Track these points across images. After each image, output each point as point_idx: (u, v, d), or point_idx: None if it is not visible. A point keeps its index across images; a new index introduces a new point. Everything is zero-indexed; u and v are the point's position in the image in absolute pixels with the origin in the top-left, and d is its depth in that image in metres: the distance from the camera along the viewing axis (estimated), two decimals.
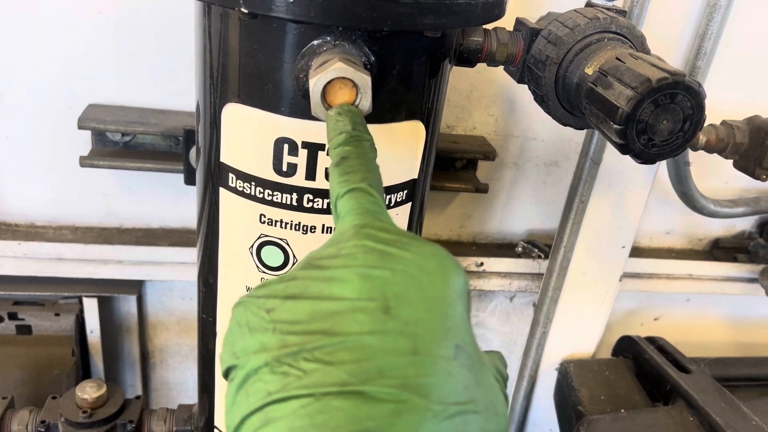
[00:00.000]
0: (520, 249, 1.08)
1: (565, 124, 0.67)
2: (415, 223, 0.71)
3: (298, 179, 0.60)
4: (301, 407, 0.29)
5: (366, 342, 0.30)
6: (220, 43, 0.58)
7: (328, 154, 0.58)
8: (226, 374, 0.33)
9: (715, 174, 1.09)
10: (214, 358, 0.76)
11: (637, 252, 1.14)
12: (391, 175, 0.63)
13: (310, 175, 0.60)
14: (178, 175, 0.94)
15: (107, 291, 1.03)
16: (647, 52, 0.65)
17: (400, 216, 0.67)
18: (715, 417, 0.92)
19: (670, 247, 1.18)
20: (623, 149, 0.56)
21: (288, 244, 0.63)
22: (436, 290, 0.33)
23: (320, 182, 0.60)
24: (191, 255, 1.00)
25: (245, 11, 0.50)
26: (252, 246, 0.64)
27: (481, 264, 1.06)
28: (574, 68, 0.62)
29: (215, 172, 0.64)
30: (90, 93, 0.90)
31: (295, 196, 0.61)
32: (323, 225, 0.63)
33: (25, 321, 1.03)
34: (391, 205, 0.65)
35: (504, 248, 1.11)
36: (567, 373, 1.08)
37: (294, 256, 0.64)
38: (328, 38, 0.53)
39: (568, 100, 0.65)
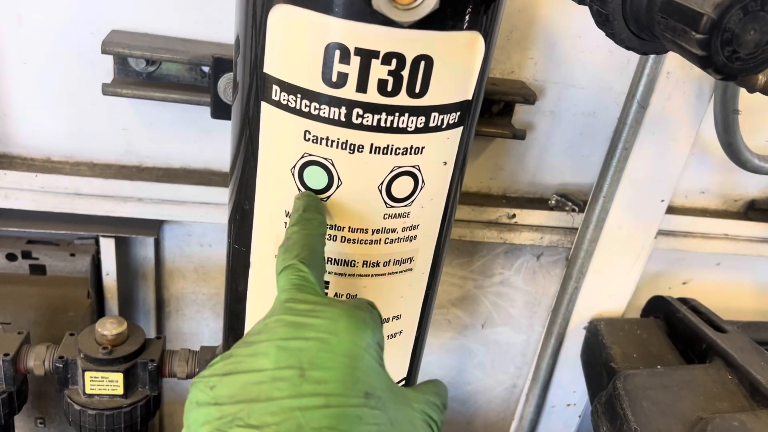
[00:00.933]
0: (553, 202, 1.04)
1: (627, 47, 0.63)
2: (463, 153, 0.67)
3: (348, 91, 0.56)
4: None
5: (286, 405, 0.37)
6: None
7: (390, 74, 0.54)
8: None
9: (756, 131, 1.05)
10: (246, 296, 0.72)
11: (671, 210, 1.10)
12: (446, 93, 0.59)
13: (362, 86, 0.55)
14: (202, 112, 0.90)
15: (125, 231, 0.99)
16: None
17: (451, 140, 0.63)
18: (755, 375, 0.89)
19: (705, 207, 1.14)
20: (704, 62, 0.52)
21: (333, 165, 0.59)
22: (344, 348, 0.40)
23: (372, 95, 0.56)
24: (214, 195, 0.96)
25: None
26: (294, 166, 0.60)
27: (513, 216, 1.02)
28: None
29: (258, 85, 0.59)
30: (114, 18, 0.86)
31: (344, 110, 0.57)
32: (372, 144, 0.58)
33: (40, 261, 0.99)
34: (443, 126, 0.61)
35: (534, 202, 1.07)
36: (597, 331, 1.05)
37: (339, 179, 0.60)
38: None
39: (636, 20, 0.60)
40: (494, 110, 0.96)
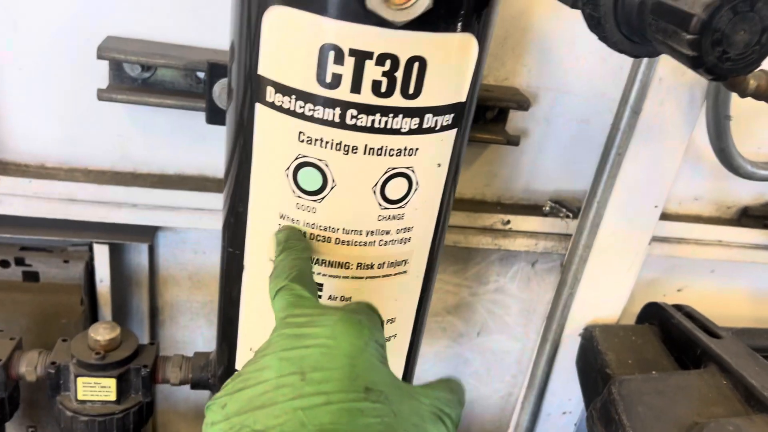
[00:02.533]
0: (547, 208, 1.04)
1: (620, 50, 0.64)
2: (458, 155, 0.67)
3: (343, 92, 0.56)
4: None
5: (288, 406, 0.39)
6: None
7: (384, 75, 0.55)
8: None
9: (748, 138, 1.06)
10: (239, 301, 0.72)
11: (665, 217, 1.11)
12: (440, 95, 0.59)
13: (356, 87, 0.56)
14: (197, 119, 0.90)
15: (119, 238, 0.99)
16: None
17: (445, 142, 0.63)
18: (750, 380, 0.89)
19: (698, 214, 1.15)
20: (695, 62, 0.52)
21: (327, 166, 0.60)
22: (343, 350, 0.42)
23: (366, 96, 0.56)
24: (208, 201, 0.96)
25: None
26: (288, 168, 0.61)
27: (508, 222, 1.02)
28: None
29: (252, 87, 0.60)
30: (110, 24, 0.86)
31: (338, 111, 0.57)
32: (365, 145, 0.59)
33: (33, 267, 0.99)
34: (437, 128, 0.61)
35: (529, 209, 1.08)
36: (592, 338, 1.05)
37: (333, 180, 0.60)
38: None
39: (628, 23, 0.61)
40: (488, 116, 0.96)
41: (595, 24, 0.64)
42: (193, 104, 0.88)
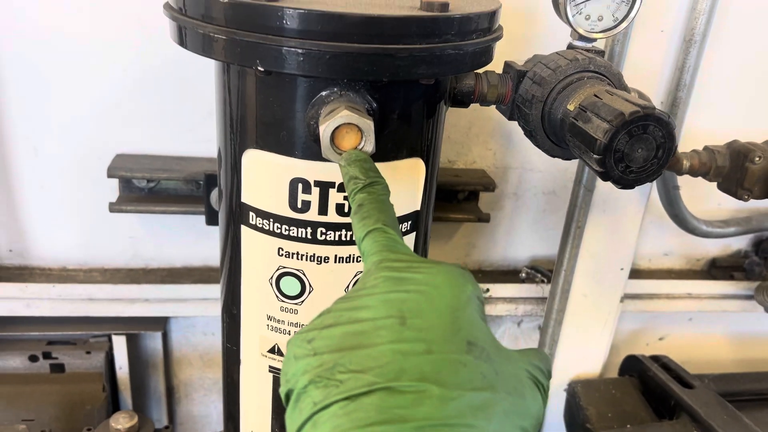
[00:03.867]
0: (523, 275, 1.13)
1: (553, 156, 0.74)
2: (420, 250, 0.77)
3: (312, 215, 0.66)
4: (340, 409, 0.35)
5: (388, 349, 0.37)
6: (239, 96, 0.65)
7: (345, 199, 0.65)
8: (287, 399, 0.40)
9: (707, 196, 1.14)
10: (239, 386, 0.81)
11: (637, 274, 1.19)
12: (397, 208, 0.69)
13: (323, 210, 0.66)
14: (200, 217, 1.01)
15: (134, 329, 1.09)
16: (624, 87, 0.72)
17: (407, 245, 0.73)
18: (717, 429, 0.96)
19: (670, 268, 1.23)
20: (604, 177, 0.62)
21: (304, 275, 0.70)
22: (445, 301, 0.40)
23: (332, 216, 0.66)
24: (213, 291, 1.06)
25: (261, 69, 0.57)
26: (272, 277, 0.71)
27: (487, 290, 1.11)
28: (558, 105, 0.69)
29: (237, 212, 0.70)
30: (117, 144, 0.98)
31: (309, 230, 0.67)
32: (335, 255, 0.69)
33: (59, 360, 1.09)
34: None
35: (509, 274, 1.17)
36: (575, 393, 1.12)
37: (310, 285, 0.70)
38: (335, 89, 0.60)
39: (554, 134, 0.71)
40: (460, 197, 1.06)
41: (529, 134, 0.74)
42: (194, 209, 0.98)
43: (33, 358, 1.08)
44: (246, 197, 0.69)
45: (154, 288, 1.04)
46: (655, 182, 1.01)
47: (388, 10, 0.57)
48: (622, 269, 1.07)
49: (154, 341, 1.15)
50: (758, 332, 1.33)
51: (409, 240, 0.73)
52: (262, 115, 0.64)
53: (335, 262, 0.69)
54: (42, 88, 0.93)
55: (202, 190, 0.96)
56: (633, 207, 1.02)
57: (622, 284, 1.09)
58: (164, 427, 0.94)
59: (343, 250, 0.69)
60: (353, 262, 0.69)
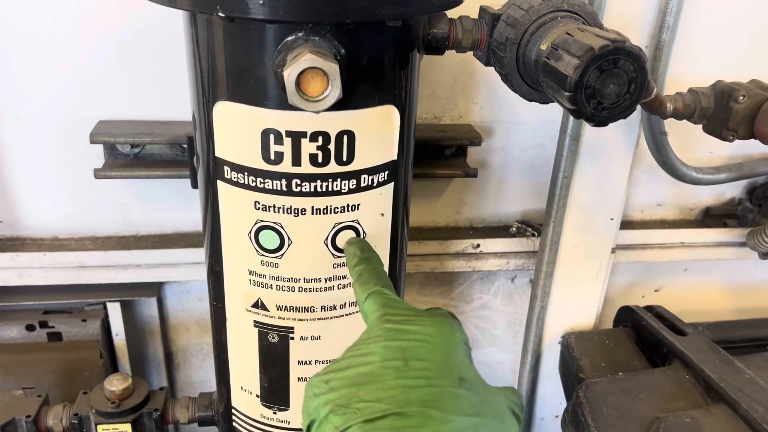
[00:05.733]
0: (514, 229, 1.13)
1: (530, 100, 0.73)
2: (401, 202, 0.76)
3: (286, 166, 0.66)
4: (359, 428, 0.45)
5: (396, 384, 0.47)
6: (207, 48, 0.64)
7: (318, 149, 0.65)
8: (308, 429, 0.49)
9: (699, 145, 1.13)
10: (227, 344, 0.82)
11: (630, 225, 1.18)
12: (371, 157, 0.69)
13: (296, 161, 0.66)
14: (186, 181, 1.01)
15: (129, 295, 1.10)
16: (599, 25, 0.70)
17: (384, 195, 0.72)
18: (709, 373, 0.96)
19: (663, 219, 1.22)
20: (576, 114, 0.61)
21: (282, 227, 0.70)
22: (439, 346, 0.50)
23: (306, 167, 0.66)
24: (203, 255, 1.06)
25: (222, 15, 0.56)
26: (250, 231, 0.71)
27: (478, 245, 1.11)
28: (532, 46, 0.68)
29: (212, 168, 0.70)
30: (99, 110, 0.98)
31: (284, 181, 0.67)
32: (312, 207, 0.68)
33: (55, 328, 1.10)
34: (374, 185, 0.70)
35: (500, 230, 1.16)
36: (569, 345, 1.12)
37: (288, 238, 0.70)
38: (300, 34, 0.59)
39: (529, 77, 0.70)
40: (447, 153, 1.06)
41: (505, 79, 0.73)
42: (179, 173, 0.99)
43: (30, 328, 1.10)
44: (219, 152, 0.69)
45: (145, 253, 1.04)
46: (642, 129, 1.00)
47: None
48: (612, 219, 1.07)
49: (149, 308, 1.16)
50: (754, 281, 1.32)
51: (387, 191, 0.73)
52: (230, 66, 0.63)
53: (312, 213, 0.69)
54: (21, 56, 0.93)
55: (187, 153, 0.96)
56: (621, 155, 1.01)
57: (612, 234, 1.09)
58: (160, 388, 0.95)
59: (320, 202, 0.68)
60: (330, 213, 0.69)
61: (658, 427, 0.88)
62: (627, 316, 1.17)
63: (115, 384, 0.91)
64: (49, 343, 1.11)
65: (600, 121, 0.62)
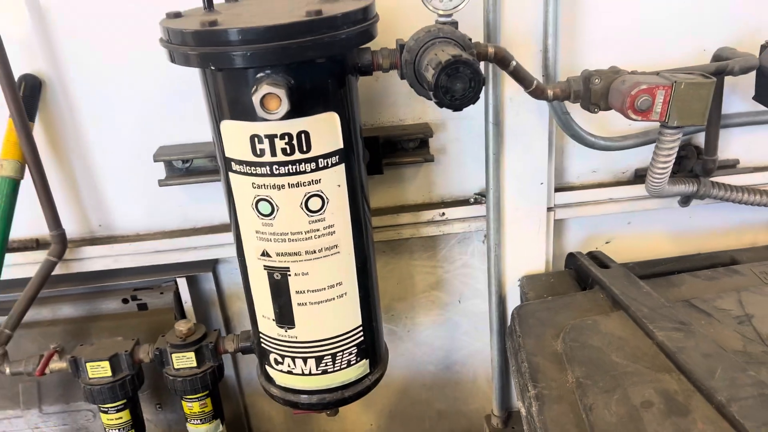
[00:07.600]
0: (472, 199, 1.46)
1: (429, 99, 1.07)
2: (356, 177, 1.12)
3: (267, 157, 1.03)
4: None
5: None
6: (214, 87, 1.03)
7: (286, 144, 1.02)
8: None
9: (617, 121, 1.42)
10: (251, 287, 1.20)
11: (570, 188, 1.48)
12: (323, 147, 1.05)
13: (273, 153, 1.03)
14: None
15: (191, 271, 1.51)
16: (467, 45, 1.04)
17: (338, 172, 1.08)
18: (615, 290, 1.25)
19: (599, 182, 1.51)
20: (439, 105, 0.96)
21: (272, 199, 1.07)
22: None
23: (280, 157, 1.03)
24: None
25: (213, 68, 0.95)
26: (252, 203, 1.08)
27: (443, 213, 1.45)
28: (419, 65, 1.03)
29: (225, 164, 1.09)
30: (159, 137, 1.39)
31: (267, 168, 1.04)
32: (288, 183, 1.05)
33: (142, 300, 1.52)
34: (329, 165, 1.07)
35: (464, 202, 1.49)
36: (522, 285, 1.44)
37: (276, 206, 1.07)
38: (267, 72, 0.96)
39: (421, 84, 1.05)
40: (412, 146, 1.40)
41: (412, 86, 1.08)
42: (218, 177, 1.38)
43: (125, 301, 1.52)
44: (228, 152, 1.07)
45: (201, 238, 1.44)
46: (549, 111, 1.31)
47: (284, 19, 0.94)
48: (542, 183, 1.38)
49: (208, 282, 1.56)
50: (692, 227, 1.58)
51: (340, 170, 1.09)
52: (227, 97, 1.02)
53: (289, 187, 1.06)
54: (104, 100, 1.35)
55: None
56: (538, 132, 1.33)
57: (545, 196, 1.40)
58: (214, 330, 1.34)
59: (293, 179, 1.05)
60: (301, 186, 1.06)
61: (568, 329, 1.19)
62: (571, 261, 1.47)
63: (182, 325, 1.31)
64: (139, 311, 1.52)
65: (456, 107, 0.96)
